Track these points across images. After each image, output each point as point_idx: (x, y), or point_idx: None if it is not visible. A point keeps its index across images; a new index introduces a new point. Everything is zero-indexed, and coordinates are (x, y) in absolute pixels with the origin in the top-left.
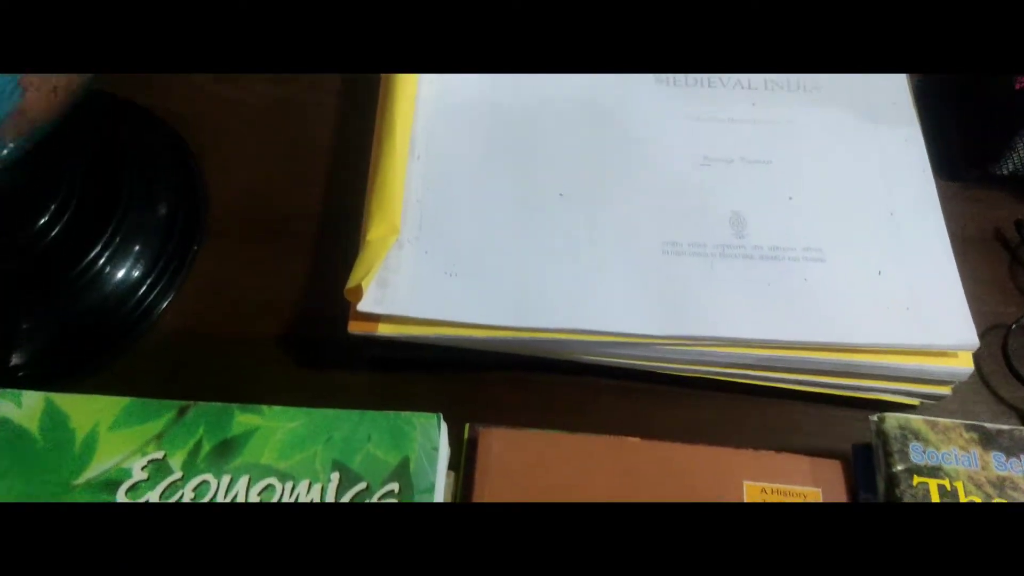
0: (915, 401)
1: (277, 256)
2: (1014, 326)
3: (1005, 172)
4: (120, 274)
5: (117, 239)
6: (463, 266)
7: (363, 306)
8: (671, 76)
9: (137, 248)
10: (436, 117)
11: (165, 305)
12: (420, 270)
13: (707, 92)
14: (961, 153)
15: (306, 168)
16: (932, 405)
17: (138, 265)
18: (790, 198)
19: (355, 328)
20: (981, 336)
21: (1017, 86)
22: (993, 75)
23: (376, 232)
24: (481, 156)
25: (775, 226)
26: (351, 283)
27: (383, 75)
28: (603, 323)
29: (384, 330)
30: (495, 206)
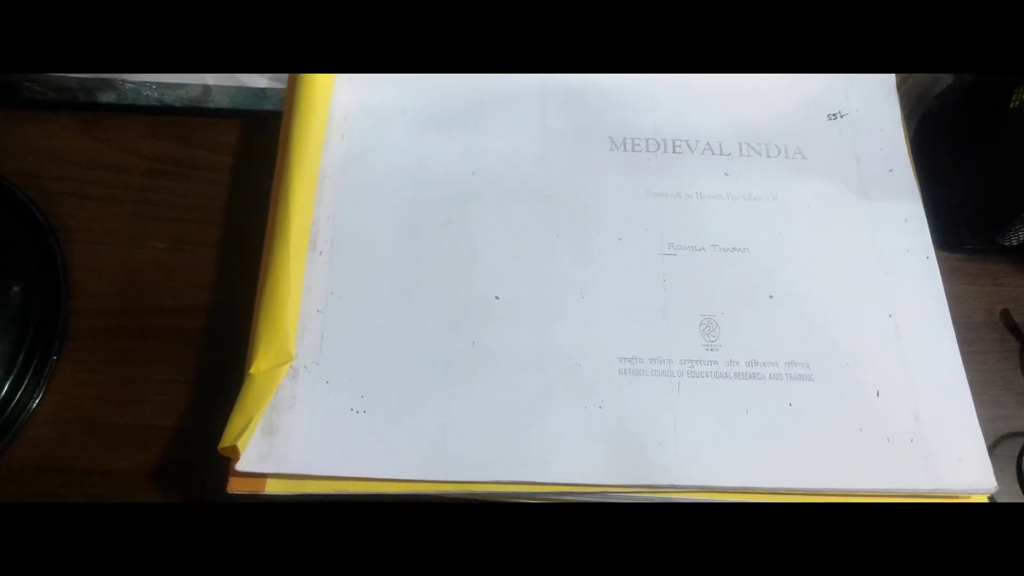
0: None
1: (155, 362)
2: None
3: (1014, 243)
4: None
5: None
6: (374, 400)
7: (243, 465)
8: (627, 139)
9: None
10: (345, 197)
11: (14, 430)
12: (319, 407)
13: (671, 160)
14: (964, 221)
15: (195, 247)
16: None
17: None
18: (771, 296)
19: (236, 487)
20: (991, 448)
21: None
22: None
23: (262, 362)
24: (400, 248)
25: (753, 334)
26: (225, 441)
27: (281, 136)
28: (547, 474)
29: (273, 489)
30: (416, 316)
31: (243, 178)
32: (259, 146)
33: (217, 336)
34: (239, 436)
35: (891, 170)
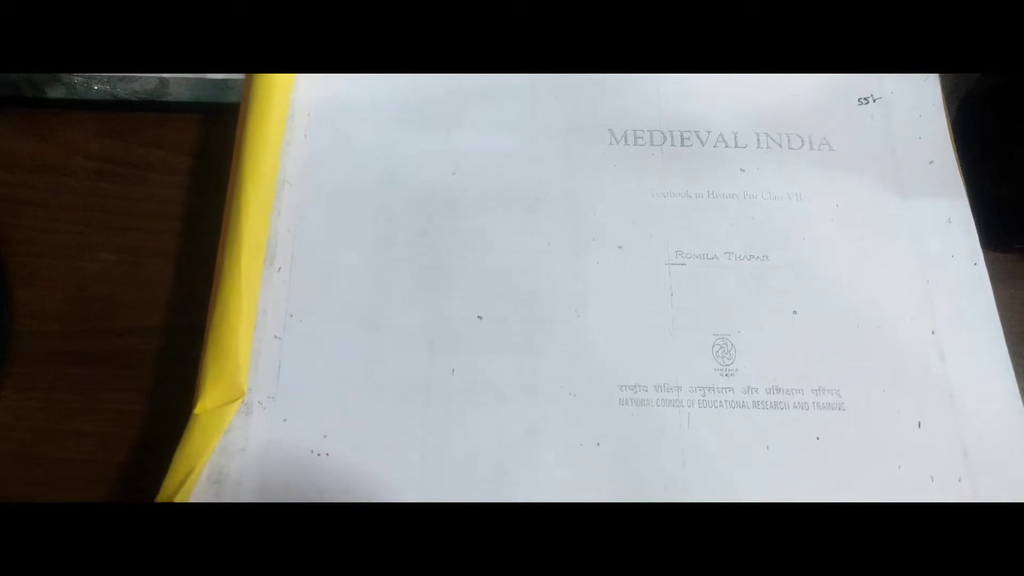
0: None
1: (103, 390)
2: None
3: None
4: None
5: None
6: (338, 440)
7: None
8: (628, 131)
9: None
10: (307, 206)
11: None
12: (275, 449)
13: (678, 154)
14: (1013, 216)
15: (149, 259)
16: None
17: None
18: (794, 312)
19: None
20: None
21: None
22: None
23: (209, 399)
24: (370, 263)
25: (775, 357)
26: (162, 495)
27: (236, 135)
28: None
29: None
30: (388, 342)
31: (204, 180)
32: (222, 144)
33: (173, 360)
34: (178, 489)
35: (932, 162)
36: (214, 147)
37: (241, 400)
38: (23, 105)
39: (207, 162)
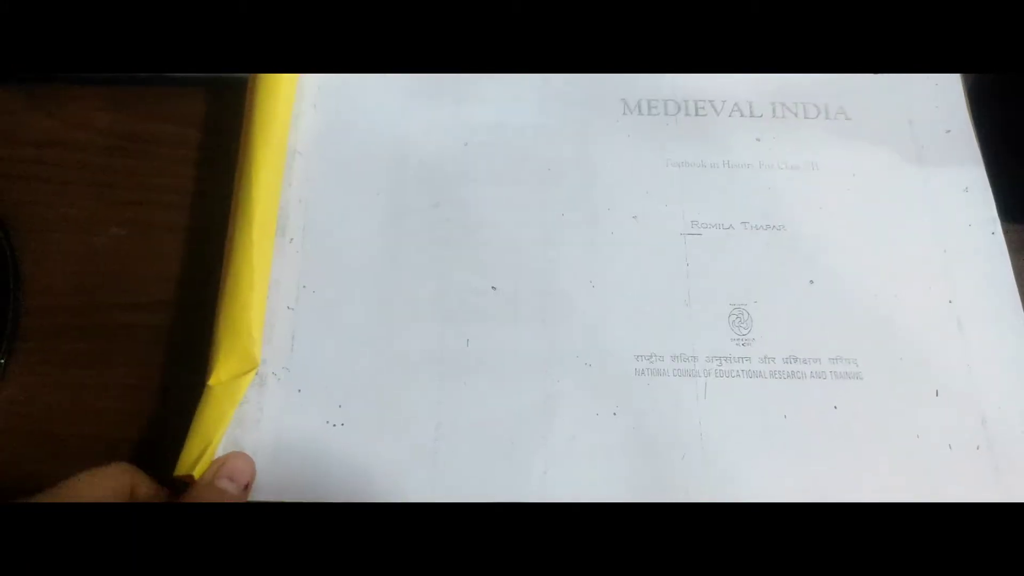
0: None
1: (115, 365)
2: None
3: None
4: None
5: None
6: (353, 411)
7: None
8: (642, 101)
9: None
10: (318, 177)
11: None
12: (290, 421)
13: (693, 124)
14: None
15: (159, 233)
16: None
17: None
18: (811, 281)
19: None
20: None
21: None
22: None
23: (223, 371)
24: (382, 235)
25: (791, 326)
26: (180, 468)
27: (246, 107)
28: (552, 493)
29: None
30: (402, 313)
31: (214, 153)
32: (231, 116)
33: (185, 334)
34: (196, 463)
35: (948, 131)
36: (224, 119)
37: (254, 372)
38: (30, 80)
39: (216, 134)
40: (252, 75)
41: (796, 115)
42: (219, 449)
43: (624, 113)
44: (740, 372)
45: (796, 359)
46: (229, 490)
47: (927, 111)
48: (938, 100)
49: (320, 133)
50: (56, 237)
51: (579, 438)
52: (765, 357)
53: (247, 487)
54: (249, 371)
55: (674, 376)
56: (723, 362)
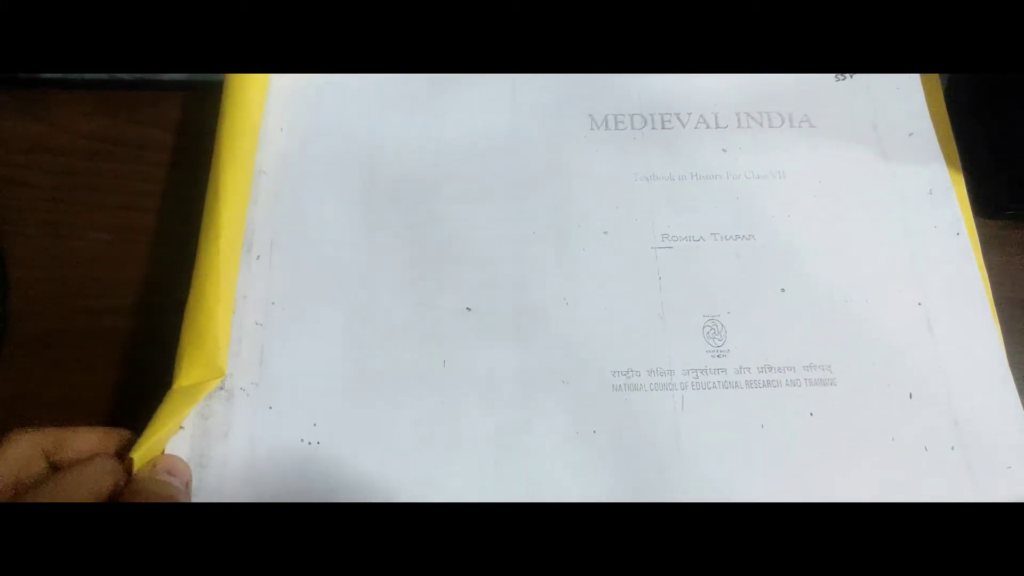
0: None
1: (100, 370)
2: None
3: None
4: None
5: None
6: (329, 429)
7: None
8: (609, 116)
9: None
10: (284, 195)
11: None
12: (261, 436)
13: (660, 138)
14: (1004, 183)
15: (144, 237)
16: None
17: None
18: (782, 290)
19: None
20: None
21: None
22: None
23: (186, 379)
24: (352, 253)
25: (765, 336)
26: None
27: (217, 125)
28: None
29: None
30: (376, 333)
31: (199, 159)
32: (216, 121)
33: (171, 338)
34: (139, 449)
35: (911, 134)
36: (210, 126)
37: (220, 379)
38: (17, 85)
39: (202, 141)
40: (225, 80)
41: (761, 124)
42: (189, 461)
43: (591, 128)
44: (716, 384)
45: (771, 368)
46: (172, 483)
47: (890, 115)
48: (900, 103)
49: (286, 153)
50: (42, 242)
51: (558, 456)
52: (740, 368)
53: (187, 484)
54: (214, 378)
55: (651, 391)
56: (699, 374)
